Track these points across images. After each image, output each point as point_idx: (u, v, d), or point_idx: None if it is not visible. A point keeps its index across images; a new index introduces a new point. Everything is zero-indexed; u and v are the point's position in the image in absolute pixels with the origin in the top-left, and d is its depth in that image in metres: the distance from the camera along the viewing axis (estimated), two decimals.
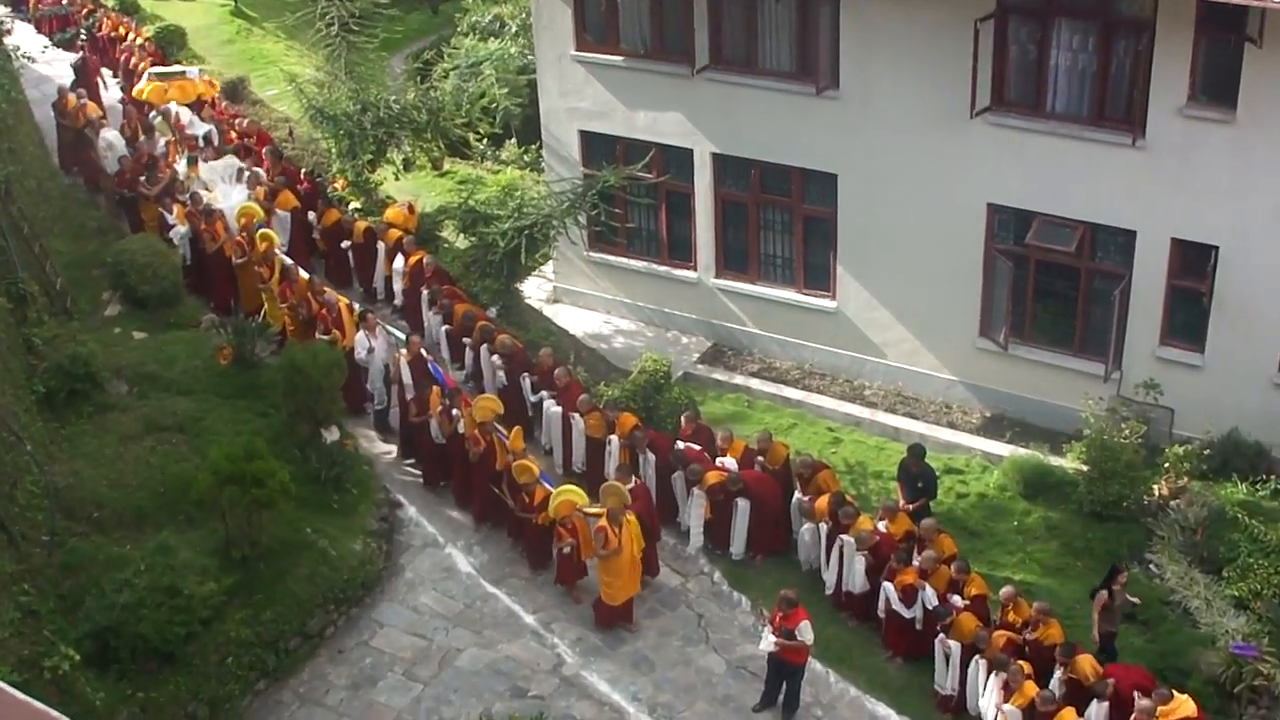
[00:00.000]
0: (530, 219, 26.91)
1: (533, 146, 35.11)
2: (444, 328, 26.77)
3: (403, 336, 25.73)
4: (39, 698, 16.24)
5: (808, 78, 25.47)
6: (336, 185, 31.15)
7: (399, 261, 28.19)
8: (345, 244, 29.33)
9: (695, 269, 28.25)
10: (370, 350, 25.22)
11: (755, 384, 27.13)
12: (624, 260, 29.10)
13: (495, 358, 25.23)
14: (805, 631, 19.65)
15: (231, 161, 30.96)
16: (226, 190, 29.90)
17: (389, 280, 28.74)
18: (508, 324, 26.89)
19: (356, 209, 30.17)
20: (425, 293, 27.38)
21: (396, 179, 32.22)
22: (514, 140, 36.75)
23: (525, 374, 25.03)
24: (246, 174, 30.33)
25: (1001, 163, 24.12)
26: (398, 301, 28.55)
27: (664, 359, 26.02)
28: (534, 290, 30.27)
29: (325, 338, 25.08)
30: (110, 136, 31.84)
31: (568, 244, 28.47)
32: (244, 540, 20.81)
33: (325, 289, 26.46)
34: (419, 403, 23.94)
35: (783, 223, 27.02)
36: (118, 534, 21.19)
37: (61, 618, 19.33)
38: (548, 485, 22.32)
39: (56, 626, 19.06)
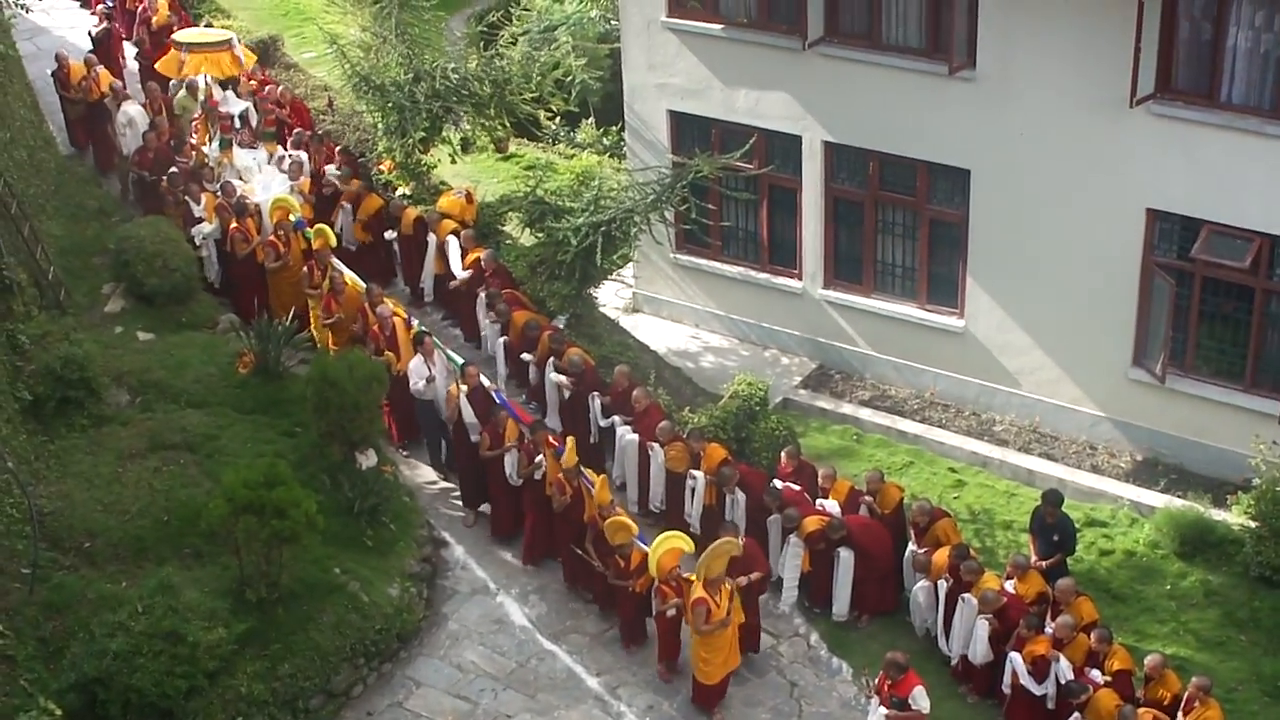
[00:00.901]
0: (608, 213, 26.90)
1: (613, 128, 35.25)
2: (502, 339, 26.91)
3: (459, 361, 25.62)
4: None
5: (939, 55, 25.42)
6: (382, 167, 31.26)
7: (455, 257, 28.36)
8: (390, 235, 29.52)
9: (800, 278, 28.26)
10: (430, 380, 25.06)
11: (866, 414, 27.11)
12: (716, 265, 29.13)
13: (561, 376, 25.32)
14: (920, 699, 19.63)
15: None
16: (265, 181, 29.94)
17: (439, 279, 28.93)
18: (578, 336, 26.93)
19: (405, 195, 30.26)
20: (482, 296, 27.54)
21: (453, 162, 32.28)
22: (591, 120, 36.82)
23: (596, 395, 25.12)
24: (288, 160, 30.45)
25: (1165, 161, 23.92)
26: (425, 298, 29.16)
27: (760, 382, 26.03)
28: (610, 298, 30.42)
29: (378, 359, 25.07)
30: (132, 111, 31.83)
31: (651, 244, 28.50)
32: (261, 580, 20.95)
33: (383, 298, 26.51)
34: (492, 434, 23.80)
35: (905, 226, 26.99)
36: (112, 569, 21.34)
37: (42, 665, 19.53)
38: (643, 547, 22.08)
39: (35, 675, 19.27)
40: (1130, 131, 23.97)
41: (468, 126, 31.61)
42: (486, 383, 24.97)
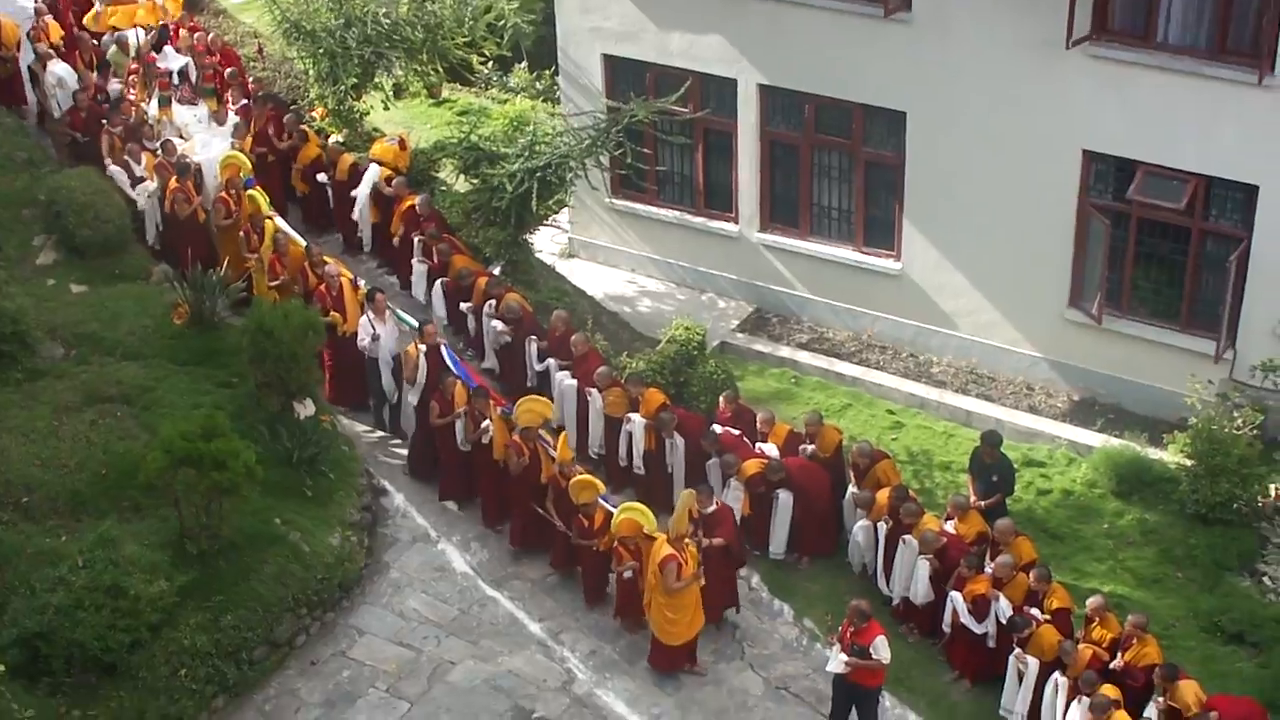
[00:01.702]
0: (543, 159, 26.84)
1: (547, 72, 35.16)
2: (440, 281, 26.85)
3: (415, 324, 25.39)
4: None
5: None
6: (314, 114, 31.09)
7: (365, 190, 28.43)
8: (322, 177, 29.38)
9: (736, 221, 28.32)
10: (375, 337, 24.88)
11: (804, 357, 27.23)
12: (652, 209, 29.17)
13: (498, 323, 25.31)
14: (881, 648, 19.72)
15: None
16: (205, 139, 29.50)
17: (375, 227, 28.91)
18: (515, 282, 26.91)
19: (338, 143, 30.09)
20: (416, 241, 27.51)
21: (386, 108, 32.20)
22: (524, 65, 36.70)
23: (533, 339, 25.18)
24: (233, 118, 30.00)
25: (1101, 102, 24.04)
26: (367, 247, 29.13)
27: (698, 326, 26.11)
28: (546, 244, 30.37)
29: (324, 319, 24.83)
30: (60, 71, 31.03)
31: (587, 189, 28.51)
32: (201, 532, 20.91)
33: (326, 259, 26.20)
34: (441, 401, 23.54)
35: (841, 169, 27.05)
36: (50, 523, 21.25)
37: None
38: (608, 506, 22.04)
39: None
40: (1066, 73, 24.06)
41: (400, 72, 31.49)
42: (442, 342, 24.76)
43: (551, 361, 24.95)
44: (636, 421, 23.54)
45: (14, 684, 18.86)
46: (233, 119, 29.97)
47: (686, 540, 20.79)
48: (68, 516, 21.38)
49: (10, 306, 23.99)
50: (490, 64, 33.92)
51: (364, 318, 24.99)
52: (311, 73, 30.96)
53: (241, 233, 27.13)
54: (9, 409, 23.01)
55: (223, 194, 27.73)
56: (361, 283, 26.15)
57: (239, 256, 27.15)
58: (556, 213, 29.70)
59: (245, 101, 30.37)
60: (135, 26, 32.59)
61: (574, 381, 24.44)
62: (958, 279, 26.27)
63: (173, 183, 27.69)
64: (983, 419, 25.28)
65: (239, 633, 20.67)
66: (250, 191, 27.67)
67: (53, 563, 19.91)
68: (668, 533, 20.78)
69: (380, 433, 25.65)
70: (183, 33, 32.81)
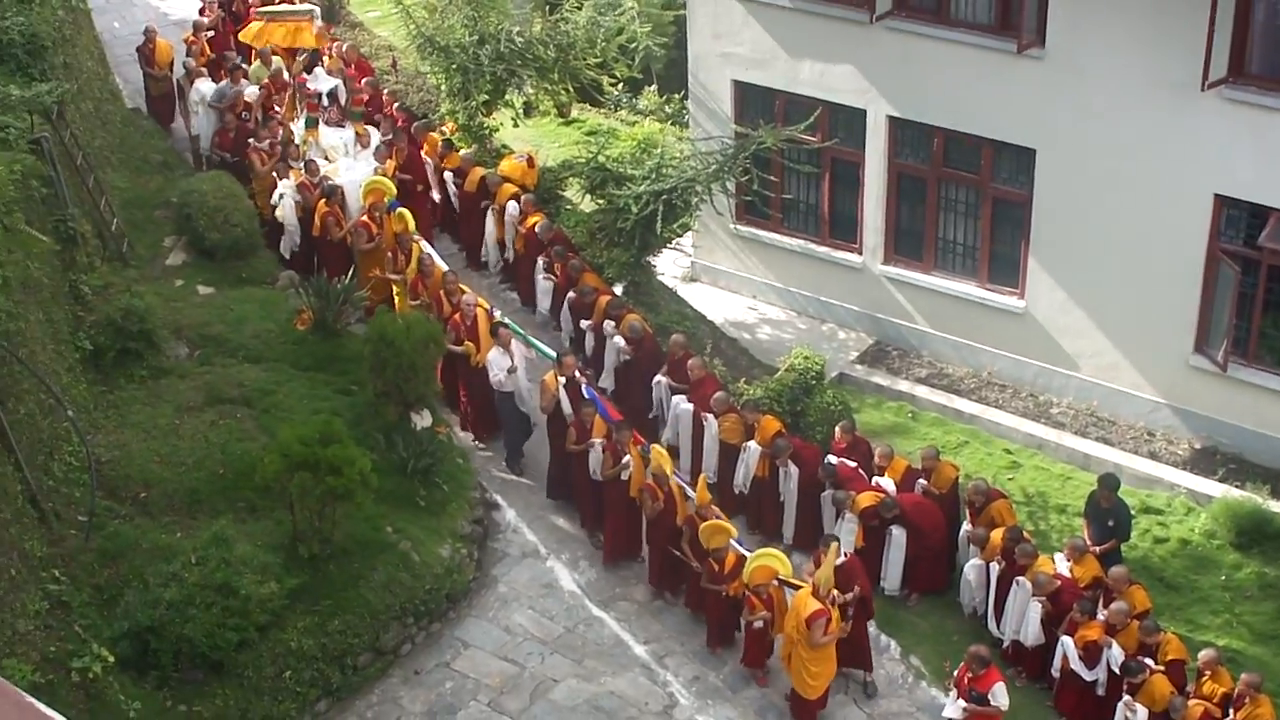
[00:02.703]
0: (669, 182, 26.83)
1: (676, 96, 35.18)
2: (569, 299, 26.85)
3: (552, 354, 25.17)
4: (62, 706, 16.61)
5: (1008, 32, 25.25)
6: (445, 129, 31.27)
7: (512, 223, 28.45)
8: (451, 184, 29.64)
9: (860, 252, 28.17)
10: (511, 371, 24.71)
11: (922, 392, 27.00)
12: (776, 237, 29.06)
13: (621, 339, 25.31)
14: (1000, 695, 19.59)
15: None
16: (349, 162, 29.61)
17: (501, 245, 29.08)
18: (636, 304, 26.91)
19: (469, 157, 30.20)
20: (541, 261, 27.60)
21: (515, 126, 32.38)
22: (654, 88, 36.78)
23: (665, 381, 25.07)
24: (376, 142, 30.04)
25: (1236, 146, 23.68)
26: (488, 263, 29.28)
27: (817, 356, 25.95)
28: (669, 267, 30.32)
29: (455, 348, 24.92)
30: (204, 87, 31.43)
31: (711, 214, 28.41)
32: (313, 536, 21.07)
33: (463, 288, 25.97)
34: (578, 428, 23.41)
35: (967, 204, 26.82)
36: (167, 519, 21.53)
37: (96, 612, 19.72)
38: (740, 550, 21.78)
39: (89, 622, 19.44)
40: (1200, 115, 23.73)
41: (531, 91, 31.64)
42: (581, 376, 24.50)
43: (664, 383, 24.94)
44: (751, 449, 23.45)
45: (122, 675, 19.13)
46: (376, 141, 30.04)
47: (832, 593, 20.55)
48: (184, 514, 21.64)
49: (139, 305, 24.36)
50: (620, 86, 33.94)
51: (494, 353, 24.67)
52: (444, 87, 31.20)
53: (389, 251, 27.19)
54: (132, 406, 23.34)
55: (364, 218, 27.78)
56: (497, 313, 25.89)
57: (379, 279, 27.26)
58: (680, 236, 29.94)
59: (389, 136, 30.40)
60: (297, 48, 32.81)
61: (690, 406, 24.36)
62: (1081, 320, 25.97)
63: (322, 205, 27.83)
64: (1101, 463, 24.95)
65: (345, 638, 20.81)
66: (399, 210, 27.73)
67: (167, 559, 20.17)
68: (813, 585, 20.50)
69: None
70: (334, 56, 32.99)
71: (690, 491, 22.52)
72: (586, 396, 24.00)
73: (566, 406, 23.81)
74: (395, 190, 28.34)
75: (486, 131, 31.48)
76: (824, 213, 28.47)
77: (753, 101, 28.51)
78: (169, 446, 22.57)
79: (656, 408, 25.23)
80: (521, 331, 25.62)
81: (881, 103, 26.86)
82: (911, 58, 26.28)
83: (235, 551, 20.10)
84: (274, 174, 28.85)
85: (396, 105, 31.85)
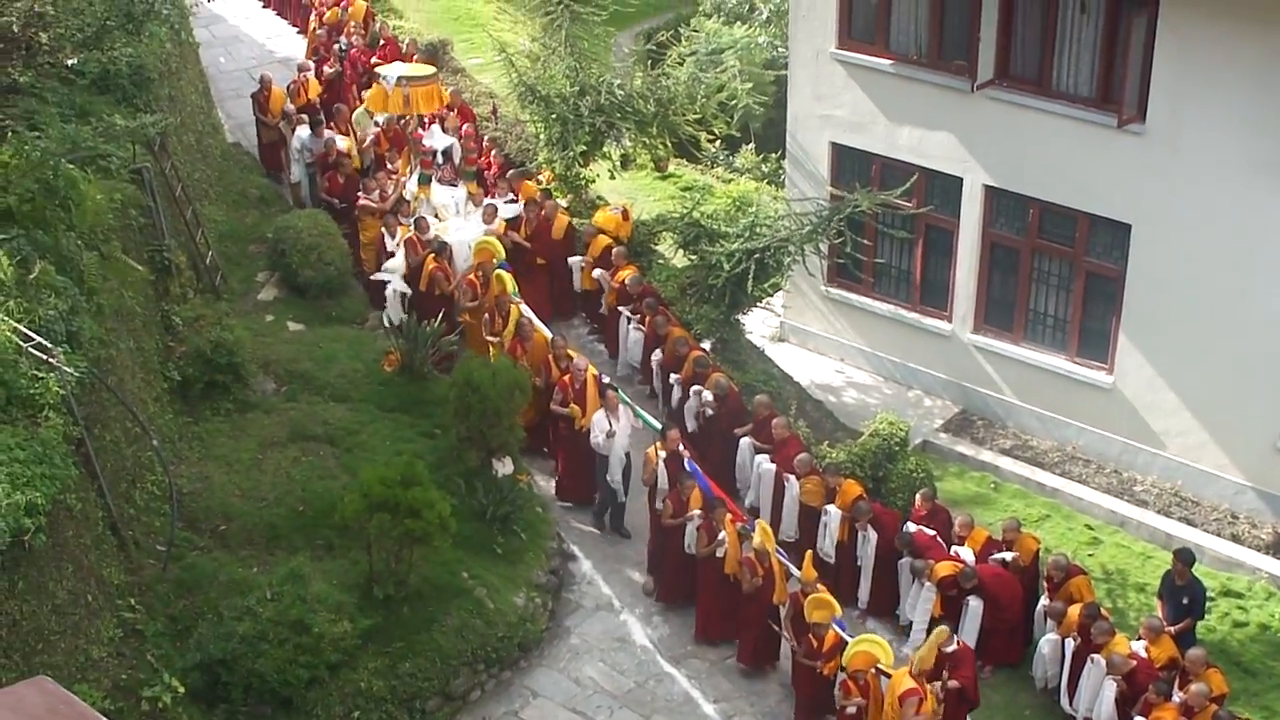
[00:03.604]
0: (763, 241, 26.84)
1: (773, 156, 35.25)
2: (656, 353, 26.84)
3: (658, 425, 25.02)
4: None
5: (1109, 106, 25.15)
6: (541, 177, 31.42)
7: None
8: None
9: (950, 320, 28.10)
10: (610, 434, 24.37)
11: (1006, 463, 26.86)
12: (867, 301, 29.04)
13: (708, 393, 25.23)
14: None
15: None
16: (460, 222, 29.44)
17: (587, 296, 29.19)
18: (723, 362, 26.94)
19: (559, 206, 30.28)
20: (625, 312, 27.74)
21: (612, 177, 32.53)
22: (752, 146, 36.86)
23: (752, 442, 24.98)
24: (486, 204, 29.75)
25: None
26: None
27: (902, 422, 25.86)
28: (757, 325, 30.35)
29: (561, 410, 24.76)
30: (304, 135, 31.55)
31: (803, 275, 28.43)
32: (389, 578, 21.11)
33: (572, 353, 25.88)
34: (676, 501, 23.13)
35: (1060, 276, 26.70)
36: (244, 553, 21.66)
37: (169, 642, 19.80)
38: (842, 631, 21.50)
39: (162, 651, 19.55)
40: None
41: (629, 143, 31.77)
42: (684, 450, 24.16)
43: (748, 443, 24.89)
44: (832, 512, 23.36)
45: (192, 707, 19.18)
46: (490, 205, 29.67)
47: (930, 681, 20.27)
48: (261, 549, 21.77)
49: (229, 338, 24.56)
50: (718, 143, 34.06)
51: (598, 414, 24.39)
52: (542, 136, 31.40)
53: (485, 314, 26.98)
54: (217, 438, 23.52)
55: (471, 276, 27.61)
56: (605, 379, 25.53)
57: (480, 339, 26.95)
58: (771, 296, 29.93)
59: (511, 197, 30.13)
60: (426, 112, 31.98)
61: (773, 466, 24.32)
62: (1170, 398, 25.75)
63: (430, 261, 27.70)
64: (1183, 543, 24.57)
65: (415, 681, 20.78)
66: (499, 273, 27.50)
67: (242, 592, 20.25)
68: (910, 665, 20.26)
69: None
70: (451, 115, 32.90)
71: (794, 569, 22.31)
72: (688, 470, 23.72)
73: (664, 481, 23.57)
74: (504, 252, 28.09)
75: (583, 182, 31.67)
76: (915, 278, 28.42)
77: (850, 164, 28.54)
78: (250, 481, 22.73)
79: (739, 469, 25.18)
80: (630, 401, 25.35)
81: (979, 171, 26.82)
82: (1011, 128, 26.23)
83: (310, 589, 20.17)
84: (383, 229, 28.86)
85: (495, 152, 31.98)
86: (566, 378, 25.07)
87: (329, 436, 23.96)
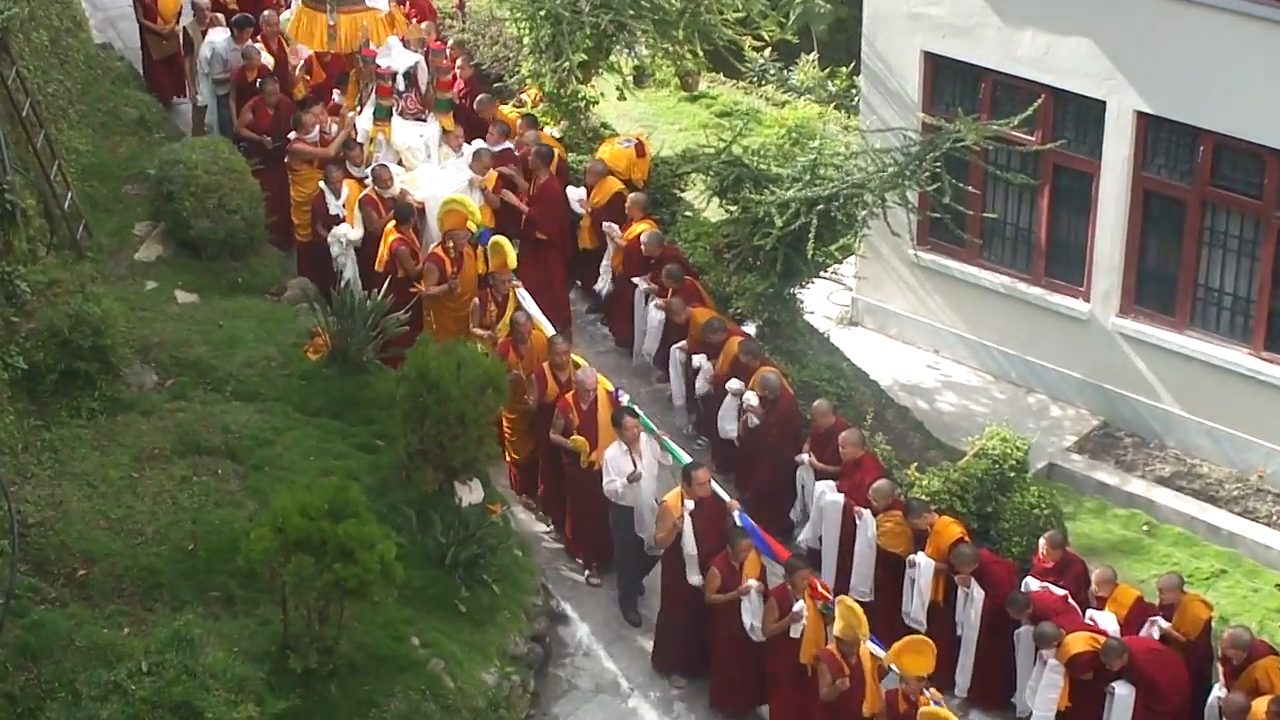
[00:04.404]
0: (829, 187, 26.66)
1: (843, 70, 35.23)
2: (677, 347, 26.81)
3: (684, 459, 24.45)
4: None
5: None
6: (524, 96, 31.32)
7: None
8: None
9: (1087, 298, 28.24)
10: (634, 477, 23.82)
11: (1164, 497, 26.88)
12: (971, 271, 29.17)
13: (751, 397, 25.12)
14: None
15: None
16: (433, 171, 29.31)
17: (587, 258, 29.26)
18: (773, 351, 26.86)
19: (554, 137, 30.15)
20: (641, 284, 27.73)
21: (621, 98, 32.51)
22: (814, 57, 36.92)
23: (809, 457, 24.94)
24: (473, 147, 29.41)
25: None
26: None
27: (1019, 439, 25.79)
28: (820, 303, 30.51)
29: (563, 441, 24.44)
30: (219, 41, 31.39)
31: (883, 234, 28.31)
32: (311, 644, 20.94)
33: (577, 360, 25.72)
34: (725, 568, 22.65)
35: (1243, 239, 26.76)
36: (112, 608, 21.39)
37: None
38: None
39: None
40: None
41: (646, 51, 31.98)
42: (725, 497, 23.78)
43: (804, 462, 24.84)
44: (922, 563, 23.27)
45: None
46: (474, 147, 29.41)
47: None
48: (135, 601, 21.50)
49: (94, 312, 24.36)
50: (768, 51, 33.98)
51: (613, 450, 23.99)
52: (526, 40, 31.34)
53: (477, 299, 26.66)
54: (76, 449, 23.39)
55: (436, 249, 27.25)
56: (624, 397, 25.05)
57: (452, 329, 26.75)
58: (839, 262, 29.60)
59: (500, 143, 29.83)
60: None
61: (839, 497, 24.18)
62: None
63: (392, 230, 27.45)
64: None
65: None
66: (494, 240, 27.10)
67: (109, 662, 19.91)
68: None
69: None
70: (414, 22, 32.55)
71: (893, 667, 21.93)
72: (740, 525, 23.29)
73: (690, 544, 23.04)
74: (481, 215, 27.78)
75: (582, 104, 31.58)
76: (1039, 241, 28.55)
77: (949, 82, 28.70)
78: (122, 509, 22.52)
79: (795, 497, 25.16)
80: (653, 427, 24.88)
81: (1128, 92, 26.84)
82: (1173, 31, 26.30)
83: (203, 659, 19.86)
84: (322, 183, 28.60)
85: (461, 61, 31.70)
86: (569, 396, 24.70)
87: (230, 449, 23.77)
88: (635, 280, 27.90)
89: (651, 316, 27.56)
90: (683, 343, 26.80)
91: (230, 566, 21.27)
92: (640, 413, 24.59)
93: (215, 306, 26.81)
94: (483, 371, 23.44)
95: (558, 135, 30.29)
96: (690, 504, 23.06)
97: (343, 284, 27.52)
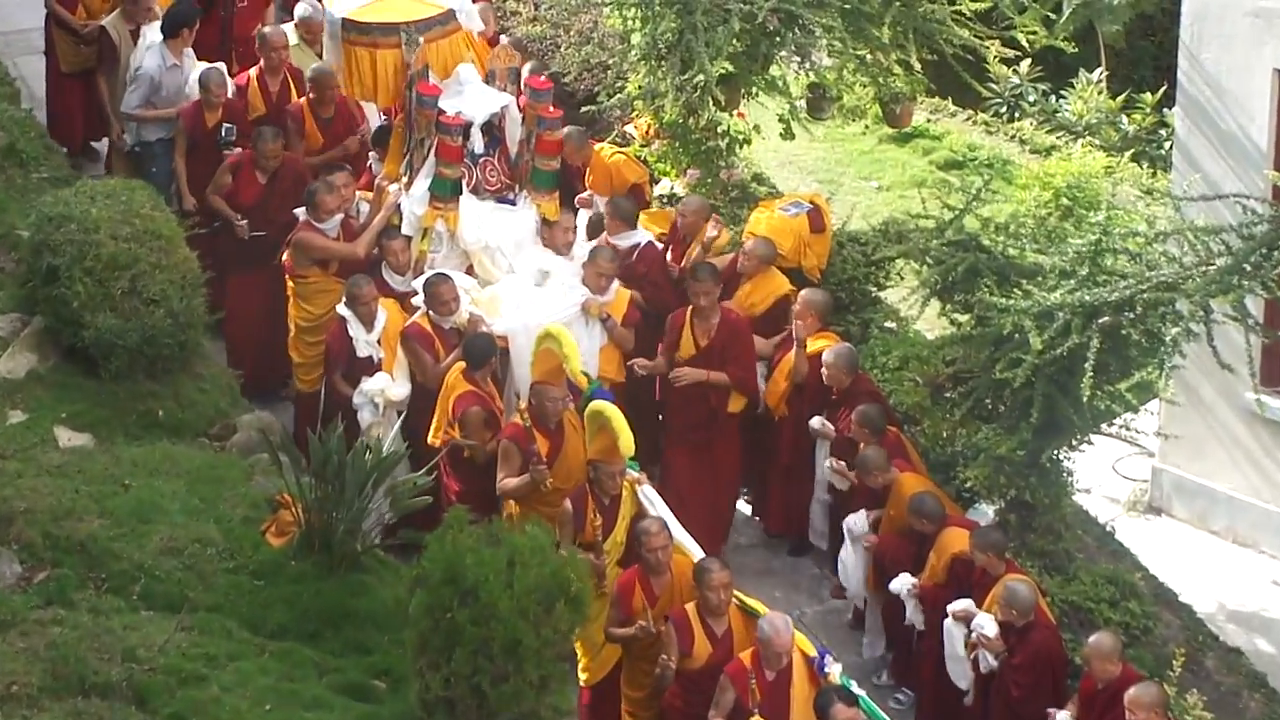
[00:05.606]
0: (1121, 289, 26.16)
1: (1147, 97, 35.12)
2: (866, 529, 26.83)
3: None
4: None
5: None
6: (630, 129, 31.45)
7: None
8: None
9: None
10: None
11: None
12: None
13: (988, 626, 25.00)
14: None
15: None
16: (523, 288, 29.32)
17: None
18: (1024, 551, 26.75)
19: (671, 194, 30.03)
20: (817, 425, 27.73)
21: (787, 136, 32.49)
22: (1101, 75, 36.68)
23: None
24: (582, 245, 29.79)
25: None
26: None
27: None
28: (1099, 475, 30.31)
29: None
30: (155, 38, 31.92)
31: (1206, 365, 27.72)
32: None
33: (755, 606, 25.23)
34: None
35: None
36: None
37: None
38: None
39: None
40: None
41: (829, 62, 31.71)
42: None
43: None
44: None
45: None
46: (583, 245, 29.73)
47: None
48: None
49: None
50: (1026, 66, 33.72)
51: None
52: (637, 39, 31.34)
53: (567, 502, 26.40)
54: None
55: (519, 415, 27.32)
56: (835, 668, 24.54)
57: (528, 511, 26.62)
58: (1134, 411, 29.29)
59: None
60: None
61: None
62: None
63: (457, 379, 27.55)
64: None
65: None
66: (597, 405, 26.72)
67: None
68: None
69: None
70: (498, 48, 32.43)
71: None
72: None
73: None
74: (577, 358, 27.36)
75: (724, 143, 31.54)
76: None
77: None
78: None
79: None
80: (870, 703, 24.57)
81: None
82: None
83: None
84: (345, 303, 28.77)
85: (530, 68, 31.46)
86: (746, 658, 24.32)
87: (136, 689, 23.41)
88: (813, 424, 27.83)
89: (826, 476, 27.52)
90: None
91: None
92: (864, 695, 24.29)
93: (119, 456, 26.75)
94: (550, 573, 23.03)
95: (681, 192, 30.02)
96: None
97: (377, 423, 27.77)
